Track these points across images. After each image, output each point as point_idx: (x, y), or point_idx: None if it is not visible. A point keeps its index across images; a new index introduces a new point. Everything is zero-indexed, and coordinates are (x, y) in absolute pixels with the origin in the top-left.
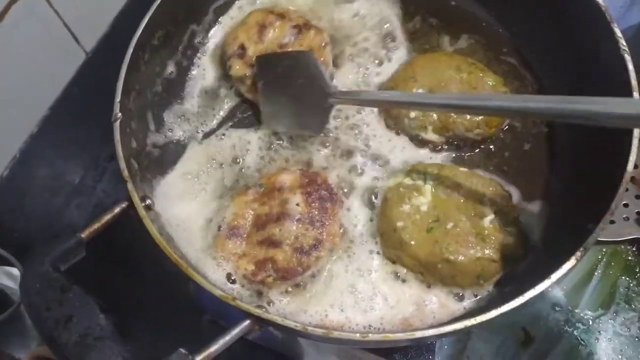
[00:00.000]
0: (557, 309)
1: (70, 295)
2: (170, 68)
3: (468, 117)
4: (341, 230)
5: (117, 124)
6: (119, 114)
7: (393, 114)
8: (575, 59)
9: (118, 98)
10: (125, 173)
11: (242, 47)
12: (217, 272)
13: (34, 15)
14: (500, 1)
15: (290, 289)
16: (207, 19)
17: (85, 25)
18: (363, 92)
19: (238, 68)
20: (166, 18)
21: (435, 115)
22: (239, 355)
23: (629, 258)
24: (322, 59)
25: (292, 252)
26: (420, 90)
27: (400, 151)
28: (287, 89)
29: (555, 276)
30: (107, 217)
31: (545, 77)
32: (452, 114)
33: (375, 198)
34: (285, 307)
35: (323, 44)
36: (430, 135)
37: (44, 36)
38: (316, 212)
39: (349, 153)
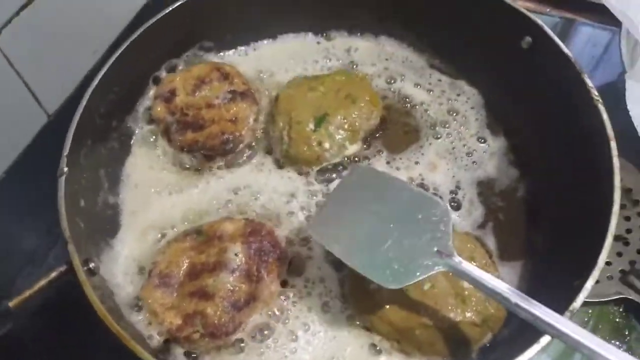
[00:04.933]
0: None
1: None
2: (130, 123)
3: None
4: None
5: (62, 179)
6: (65, 169)
7: (310, 161)
8: (549, 114)
9: (66, 151)
10: (67, 233)
11: (173, 92)
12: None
13: None
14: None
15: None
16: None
17: (48, 86)
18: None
19: (159, 110)
20: (128, 69)
21: (340, 131)
22: None
23: (617, 320)
24: (240, 131)
25: (224, 307)
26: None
27: None
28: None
29: (544, 340)
30: (42, 282)
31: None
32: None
33: None
34: None
35: (249, 119)
36: (352, 148)
37: (1, 95)
38: (255, 266)
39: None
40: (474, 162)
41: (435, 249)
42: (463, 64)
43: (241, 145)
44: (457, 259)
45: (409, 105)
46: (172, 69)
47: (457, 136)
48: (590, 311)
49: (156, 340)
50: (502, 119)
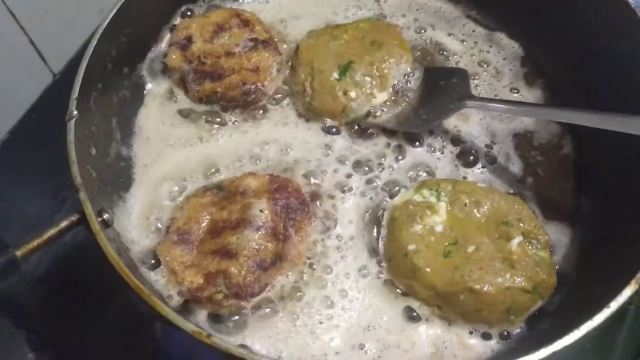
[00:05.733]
0: (584, 356)
1: None
2: (142, 71)
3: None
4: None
5: (71, 123)
6: (75, 112)
7: (336, 112)
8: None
9: (75, 94)
10: (78, 180)
11: (189, 40)
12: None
13: None
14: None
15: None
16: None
17: (54, 45)
18: (497, 100)
19: (174, 58)
20: (140, 11)
21: (367, 78)
22: None
23: None
24: (262, 82)
25: (250, 267)
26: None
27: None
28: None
29: (614, 304)
30: (51, 231)
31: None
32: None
33: (381, 218)
34: (273, 347)
35: (272, 69)
36: (381, 96)
37: (6, 52)
38: (281, 224)
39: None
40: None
41: (456, 95)
42: (503, 14)
43: (264, 97)
44: (476, 97)
45: (444, 52)
46: (188, 16)
47: (488, 88)
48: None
49: (176, 300)
50: (542, 71)
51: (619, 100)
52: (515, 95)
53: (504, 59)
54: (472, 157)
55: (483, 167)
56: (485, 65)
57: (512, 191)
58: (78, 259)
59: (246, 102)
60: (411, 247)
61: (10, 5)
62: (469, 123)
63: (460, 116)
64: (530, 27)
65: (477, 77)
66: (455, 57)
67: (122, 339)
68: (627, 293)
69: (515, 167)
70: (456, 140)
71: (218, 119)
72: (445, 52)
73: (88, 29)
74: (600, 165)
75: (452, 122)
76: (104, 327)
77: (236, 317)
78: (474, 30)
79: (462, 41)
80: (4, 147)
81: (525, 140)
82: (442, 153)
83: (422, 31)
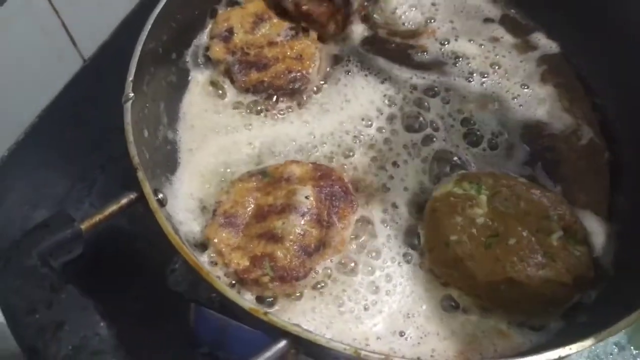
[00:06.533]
0: (619, 349)
1: (62, 297)
2: (188, 58)
3: None
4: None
5: (128, 105)
6: (131, 94)
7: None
8: None
9: (131, 77)
10: (136, 159)
11: (230, 31)
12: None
13: (30, 10)
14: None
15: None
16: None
17: (85, 29)
18: None
19: (217, 50)
20: None
21: None
22: None
23: None
24: (307, 69)
25: (295, 251)
26: None
27: None
28: None
29: None
30: (113, 207)
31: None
32: None
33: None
34: (316, 330)
35: (315, 57)
36: None
37: (40, 35)
38: (325, 211)
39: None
40: (520, 105)
41: None
42: (543, 13)
43: (309, 86)
44: None
45: (456, 59)
46: (232, 3)
47: (496, 85)
48: None
49: (223, 282)
50: (578, 73)
51: None
52: (525, 90)
53: (521, 61)
54: (475, 138)
55: (484, 150)
56: (497, 67)
57: (522, 174)
58: (111, 243)
59: (292, 90)
60: (453, 237)
61: None
62: (485, 111)
63: (477, 103)
64: (570, 27)
65: (486, 75)
66: (467, 60)
67: (156, 321)
68: None
69: (521, 153)
70: (466, 121)
71: (262, 108)
72: (456, 58)
73: (118, 16)
74: (634, 165)
75: (468, 107)
76: (137, 309)
77: (279, 300)
78: (502, 37)
79: (481, 45)
80: (33, 131)
81: (536, 130)
82: (448, 132)
83: (446, 43)
